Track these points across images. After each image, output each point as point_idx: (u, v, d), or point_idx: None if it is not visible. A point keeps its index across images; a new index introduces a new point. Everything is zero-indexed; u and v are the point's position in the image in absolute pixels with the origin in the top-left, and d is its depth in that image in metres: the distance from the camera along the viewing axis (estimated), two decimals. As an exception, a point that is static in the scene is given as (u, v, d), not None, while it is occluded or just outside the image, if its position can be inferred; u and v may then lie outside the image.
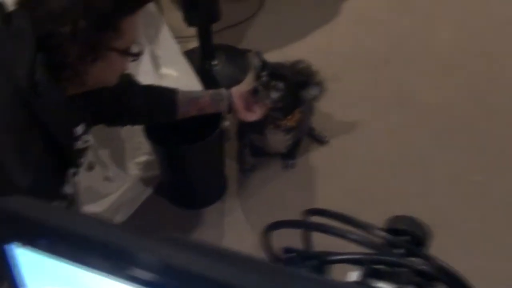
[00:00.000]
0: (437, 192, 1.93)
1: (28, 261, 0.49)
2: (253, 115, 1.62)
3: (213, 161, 1.85)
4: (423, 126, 2.16)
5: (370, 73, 2.40)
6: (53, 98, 1.10)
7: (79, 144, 1.25)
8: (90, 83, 1.18)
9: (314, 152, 2.09)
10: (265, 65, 1.73)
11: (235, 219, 1.91)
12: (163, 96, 1.54)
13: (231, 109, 1.61)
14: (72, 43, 1.07)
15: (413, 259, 0.61)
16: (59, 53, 1.08)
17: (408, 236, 0.68)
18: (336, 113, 2.21)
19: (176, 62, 2.09)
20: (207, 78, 2.20)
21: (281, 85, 1.64)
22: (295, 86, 1.69)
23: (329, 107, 2.17)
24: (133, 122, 1.57)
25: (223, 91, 1.62)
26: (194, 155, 1.73)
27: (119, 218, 1.84)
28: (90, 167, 1.65)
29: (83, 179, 1.48)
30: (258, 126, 1.78)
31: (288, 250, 0.66)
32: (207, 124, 1.67)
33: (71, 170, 1.26)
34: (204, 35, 2.25)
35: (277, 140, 1.84)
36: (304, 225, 0.68)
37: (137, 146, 1.91)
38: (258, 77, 1.63)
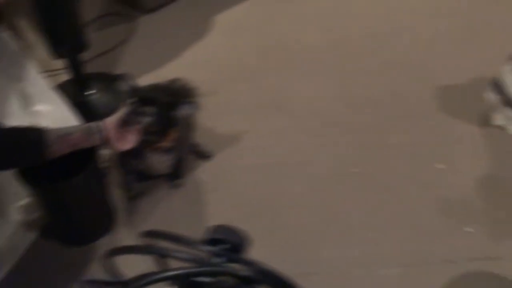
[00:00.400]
0: (322, 187, 2.01)
1: None
2: (128, 144, 1.62)
3: (94, 194, 1.82)
4: (302, 128, 2.24)
5: (247, 82, 2.46)
6: None
7: None
8: None
9: (200, 168, 2.11)
10: (134, 89, 1.74)
11: (129, 248, 1.88)
12: (28, 137, 1.49)
13: (104, 141, 1.60)
14: None
15: (234, 265, 0.64)
16: None
17: (228, 244, 0.71)
18: (218, 126, 2.24)
19: (48, 98, 2.04)
20: (85, 109, 2.16)
21: (152, 108, 1.65)
22: (166, 107, 1.70)
23: (210, 121, 2.20)
24: None
25: (94, 124, 1.60)
26: (72, 191, 1.69)
27: (5, 268, 1.76)
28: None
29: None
30: (137, 152, 1.77)
31: (90, 282, 0.67)
32: (84, 157, 1.64)
33: None
34: (75, 66, 2.21)
35: (158, 162, 1.85)
36: (133, 250, 0.69)
37: (16, 190, 1.84)
38: (128, 102, 1.63)
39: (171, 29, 2.78)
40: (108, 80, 2.37)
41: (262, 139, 2.20)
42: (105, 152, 1.81)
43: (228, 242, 0.71)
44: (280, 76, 2.48)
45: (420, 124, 2.19)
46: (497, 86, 1.97)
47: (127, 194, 2.00)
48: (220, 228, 0.74)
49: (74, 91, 2.26)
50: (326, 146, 2.15)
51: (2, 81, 1.96)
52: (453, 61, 2.44)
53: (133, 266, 0.85)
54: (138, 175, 1.96)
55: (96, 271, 1.75)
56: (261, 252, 1.79)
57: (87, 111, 2.15)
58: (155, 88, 1.89)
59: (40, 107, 2.04)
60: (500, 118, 2.08)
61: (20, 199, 1.85)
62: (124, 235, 1.91)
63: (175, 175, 2.02)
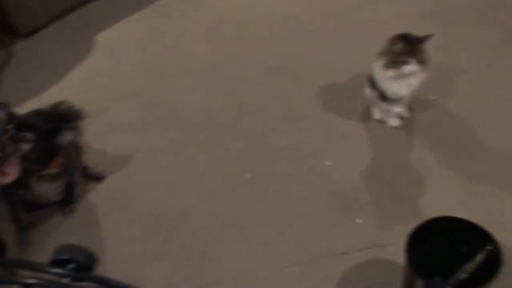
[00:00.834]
0: (217, 197, 2.03)
1: None
2: (8, 177, 1.56)
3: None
4: (193, 140, 2.25)
5: (135, 99, 2.44)
6: None
7: None
8: None
9: (93, 190, 2.07)
10: (11, 117, 1.67)
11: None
12: None
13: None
14: None
15: (84, 284, 0.65)
16: None
17: (73, 263, 0.73)
18: (108, 146, 2.21)
19: None
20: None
21: (30, 135, 1.60)
22: (47, 133, 1.65)
23: (100, 141, 2.17)
24: None
25: None
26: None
27: None
28: None
29: None
30: (21, 181, 1.70)
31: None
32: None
33: None
34: None
35: (46, 190, 1.79)
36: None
37: None
38: (4, 131, 1.57)
39: (50, 52, 2.70)
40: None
41: (155, 155, 2.19)
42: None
43: (74, 262, 0.72)
44: (169, 89, 2.49)
45: (306, 125, 2.27)
46: (372, 82, 2.09)
47: (17, 226, 1.91)
48: (65, 248, 0.75)
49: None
50: (218, 155, 2.18)
51: None
52: (332, 61, 2.55)
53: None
54: (26, 205, 1.88)
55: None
56: (162, 268, 1.79)
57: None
58: (36, 114, 1.84)
59: None
60: (378, 112, 2.20)
61: None
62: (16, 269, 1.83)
63: (67, 201, 1.96)
